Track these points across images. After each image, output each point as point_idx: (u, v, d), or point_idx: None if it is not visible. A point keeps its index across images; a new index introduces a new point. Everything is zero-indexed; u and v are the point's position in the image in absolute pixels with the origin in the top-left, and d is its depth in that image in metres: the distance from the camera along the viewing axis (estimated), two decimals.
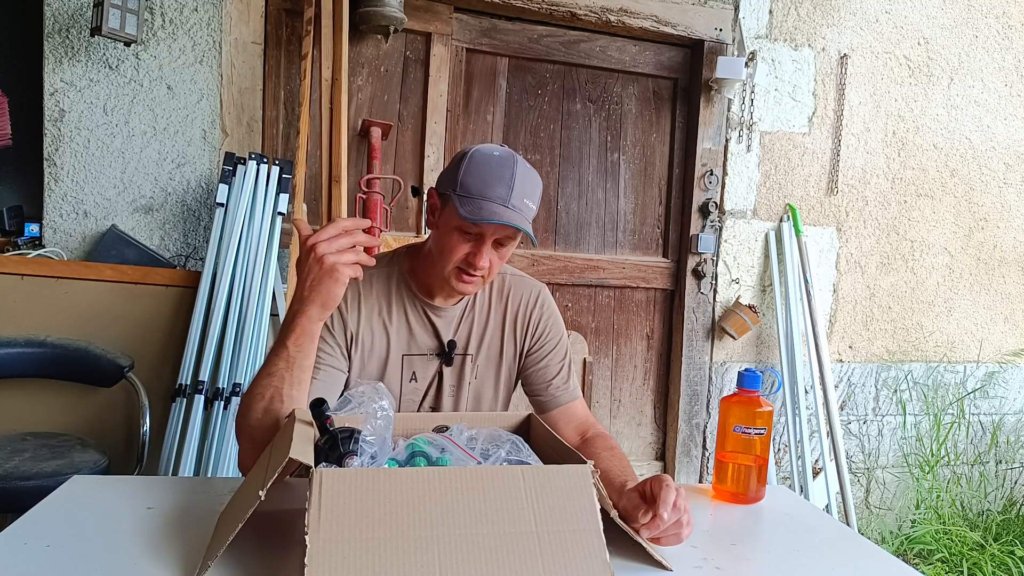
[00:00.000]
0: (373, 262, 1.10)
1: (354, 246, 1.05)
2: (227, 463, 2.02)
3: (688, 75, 2.92)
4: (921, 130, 3.11)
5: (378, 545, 0.78)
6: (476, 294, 1.34)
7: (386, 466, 0.94)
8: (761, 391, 1.26)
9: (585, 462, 0.91)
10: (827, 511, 2.77)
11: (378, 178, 2.36)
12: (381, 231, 2.30)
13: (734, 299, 2.93)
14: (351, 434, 0.91)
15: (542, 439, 1.10)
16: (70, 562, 0.84)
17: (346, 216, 2.25)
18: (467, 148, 1.23)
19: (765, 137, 2.91)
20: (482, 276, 1.22)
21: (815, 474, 2.88)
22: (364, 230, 1.08)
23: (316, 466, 0.84)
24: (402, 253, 1.35)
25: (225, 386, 2.05)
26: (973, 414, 3.28)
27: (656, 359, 3.01)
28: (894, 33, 3.03)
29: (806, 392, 2.93)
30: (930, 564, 2.83)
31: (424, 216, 1.27)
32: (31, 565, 0.83)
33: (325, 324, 1.17)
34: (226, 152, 2.23)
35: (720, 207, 2.89)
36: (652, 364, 3.01)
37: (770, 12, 2.87)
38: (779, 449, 3.02)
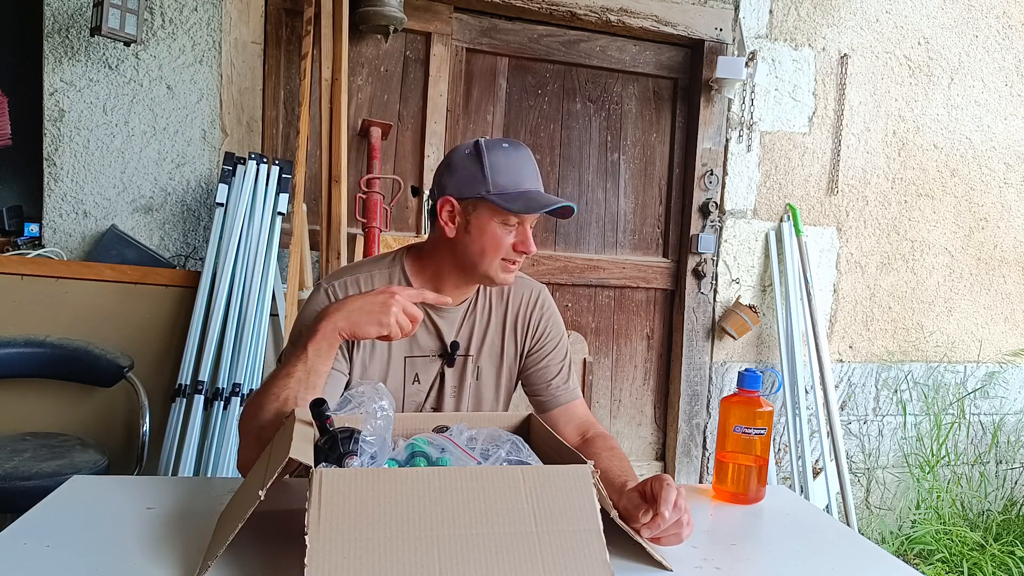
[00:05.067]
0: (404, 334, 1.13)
1: (405, 326, 1.09)
2: (227, 463, 2.01)
3: (688, 75, 2.92)
4: (921, 130, 3.11)
5: (378, 545, 0.78)
6: (477, 295, 1.34)
7: (386, 466, 0.94)
8: (761, 391, 1.26)
9: (585, 462, 0.91)
10: (827, 511, 2.77)
11: (378, 178, 2.36)
12: (381, 231, 2.30)
13: (734, 299, 2.92)
14: (351, 434, 0.91)
15: (542, 439, 1.10)
16: (70, 562, 0.84)
17: (345, 216, 2.25)
18: (465, 148, 1.22)
19: (765, 137, 2.91)
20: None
21: (815, 474, 2.87)
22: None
23: (316, 466, 0.84)
24: (402, 254, 1.34)
25: (225, 386, 2.05)
26: (973, 414, 3.28)
27: (656, 359, 3.01)
28: (894, 33, 3.03)
29: (806, 392, 2.93)
30: (930, 564, 2.82)
31: (435, 223, 1.26)
32: (31, 565, 0.83)
33: None
34: (226, 152, 2.23)
35: (720, 207, 2.89)
36: (652, 364, 3.01)
37: (770, 12, 2.87)
38: (779, 449, 3.02)
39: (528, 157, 1.23)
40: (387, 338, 1.08)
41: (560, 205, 1.19)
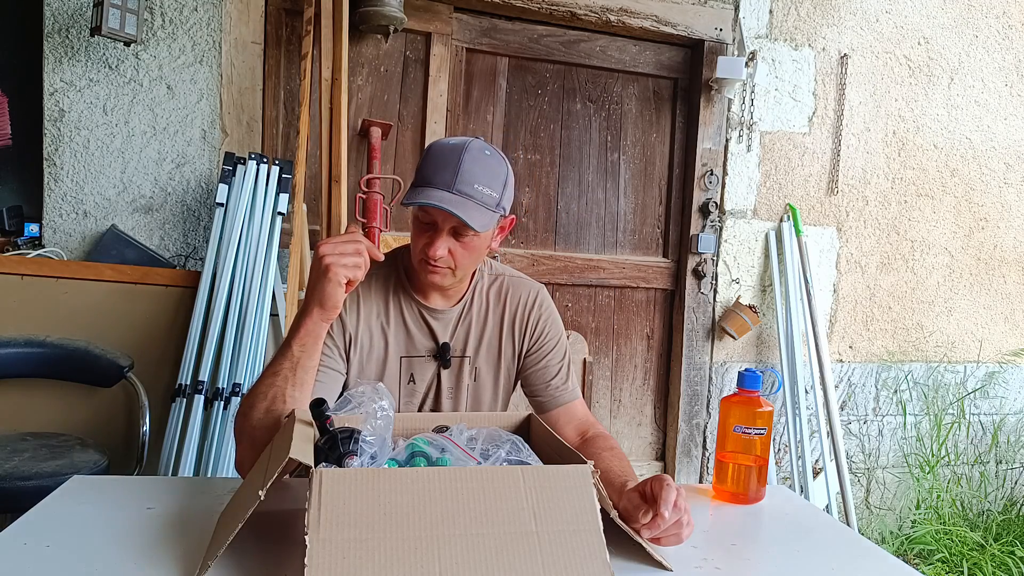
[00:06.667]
0: (380, 258, 1.13)
1: (357, 252, 1.06)
2: (227, 463, 2.02)
3: (688, 75, 2.92)
4: (921, 130, 3.11)
5: (378, 545, 0.78)
6: (473, 296, 1.34)
7: (386, 466, 0.94)
8: (761, 391, 1.26)
9: (585, 462, 0.91)
10: (827, 511, 2.77)
11: (378, 178, 2.36)
12: (381, 231, 2.30)
13: (734, 299, 2.92)
14: (351, 434, 0.91)
15: (542, 439, 1.10)
16: (70, 562, 0.84)
17: (345, 216, 2.25)
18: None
19: (765, 137, 2.91)
20: (449, 268, 1.21)
21: (815, 474, 2.87)
22: (365, 233, 1.09)
23: (316, 466, 0.84)
24: (399, 254, 1.35)
25: (225, 386, 2.05)
26: (973, 414, 3.28)
27: (656, 359, 3.01)
28: (894, 33, 3.03)
29: (806, 392, 2.93)
30: (930, 564, 2.82)
31: None
32: (31, 565, 0.83)
33: None
34: (226, 152, 2.23)
35: (720, 207, 2.89)
36: (652, 364, 3.01)
37: (770, 12, 2.86)
38: (779, 449, 3.02)
39: (455, 154, 1.14)
40: (352, 283, 1.06)
41: (436, 206, 1.11)
